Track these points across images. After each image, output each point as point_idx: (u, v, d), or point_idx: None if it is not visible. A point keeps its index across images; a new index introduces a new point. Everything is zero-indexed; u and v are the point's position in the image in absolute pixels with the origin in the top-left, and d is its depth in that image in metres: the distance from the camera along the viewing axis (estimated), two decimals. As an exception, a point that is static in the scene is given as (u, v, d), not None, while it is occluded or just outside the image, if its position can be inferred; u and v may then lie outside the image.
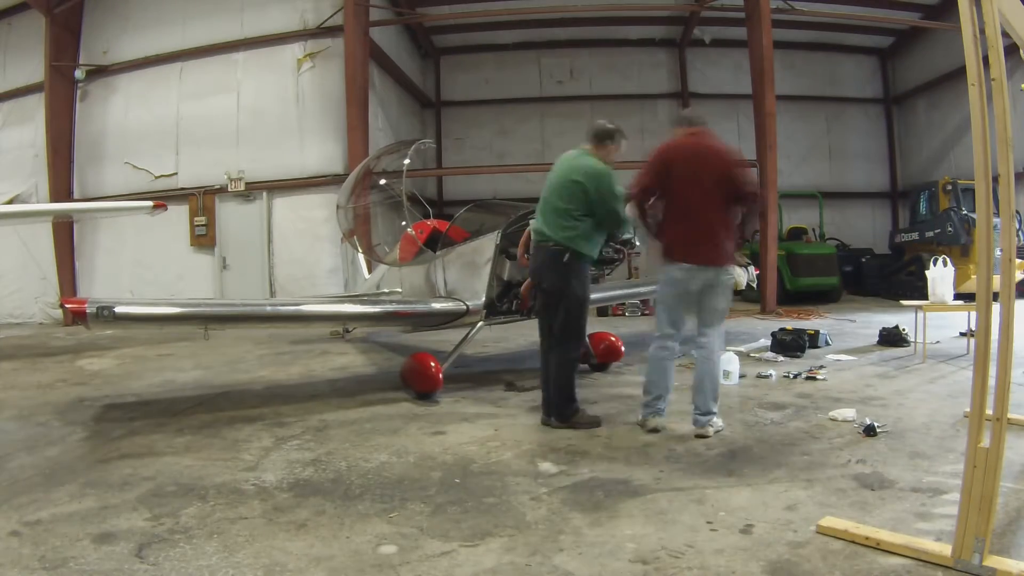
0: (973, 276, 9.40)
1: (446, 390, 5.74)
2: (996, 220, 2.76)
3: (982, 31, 2.48)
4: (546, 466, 3.92)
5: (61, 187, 12.44)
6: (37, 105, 12.75)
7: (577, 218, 4.64)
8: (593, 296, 6.89)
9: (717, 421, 4.45)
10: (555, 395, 4.77)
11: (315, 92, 12.03)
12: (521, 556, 2.78)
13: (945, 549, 2.60)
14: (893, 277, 13.93)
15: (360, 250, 8.97)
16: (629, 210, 4.69)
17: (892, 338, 7.84)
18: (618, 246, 5.32)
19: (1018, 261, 7.60)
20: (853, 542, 2.78)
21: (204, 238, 12.31)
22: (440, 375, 5.65)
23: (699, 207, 4.35)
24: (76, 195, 12.78)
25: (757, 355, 7.27)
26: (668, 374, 4.52)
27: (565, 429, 4.64)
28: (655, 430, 4.45)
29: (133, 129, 12.72)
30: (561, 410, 4.74)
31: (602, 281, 5.92)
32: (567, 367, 4.78)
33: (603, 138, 4.77)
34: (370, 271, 9.16)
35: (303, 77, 12.07)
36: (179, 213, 12.04)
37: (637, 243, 5.41)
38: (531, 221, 5.06)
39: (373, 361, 7.89)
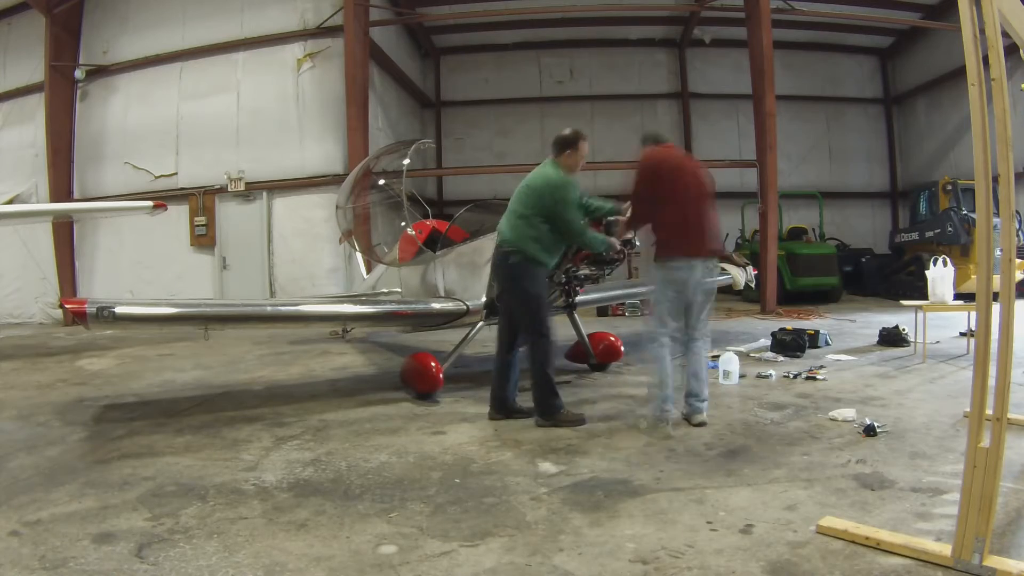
0: (973, 276, 9.40)
1: (446, 390, 5.74)
2: (996, 220, 2.76)
3: (982, 31, 2.48)
4: (546, 466, 3.92)
5: (61, 187, 12.44)
6: (37, 105, 12.76)
7: (533, 224, 4.81)
8: (593, 296, 6.96)
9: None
10: (536, 393, 4.85)
11: (315, 92, 12.02)
12: (521, 556, 2.78)
13: (945, 549, 2.60)
14: (893, 277, 13.92)
15: (359, 250, 8.96)
16: (630, 218, 4.98)
17: (892, 338, 7.84)
18: (620, 249, 5.27)
19: (1018, 261, 7.61)
20: (853, 542, 2.78)
21: (204, 238, 12.30)
22: (440, 375, 5.65)
23: (687, 207, 4.67)
24: (76, 195, 12.78)
25: (757, 355, 7.26)
26: (673, 372, 4.61)
27: (552, 427, 4.68)
28: (669, 436, 4.40)
29: (133, 129, 12.72)
30: (543, 408, 4.81)
31: (602, 281, 5.91)
32: (539, 364, 4.83)
33: (561, 147, 4.90)
34: (368, 271, 9.16)
35: (303, 77, 12.07)
36: (179, 213, 12.05)
37: (637, 243, 5.39)
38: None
39: (373, 361, 7.89)
